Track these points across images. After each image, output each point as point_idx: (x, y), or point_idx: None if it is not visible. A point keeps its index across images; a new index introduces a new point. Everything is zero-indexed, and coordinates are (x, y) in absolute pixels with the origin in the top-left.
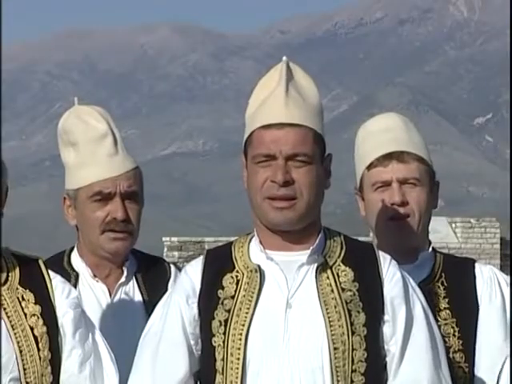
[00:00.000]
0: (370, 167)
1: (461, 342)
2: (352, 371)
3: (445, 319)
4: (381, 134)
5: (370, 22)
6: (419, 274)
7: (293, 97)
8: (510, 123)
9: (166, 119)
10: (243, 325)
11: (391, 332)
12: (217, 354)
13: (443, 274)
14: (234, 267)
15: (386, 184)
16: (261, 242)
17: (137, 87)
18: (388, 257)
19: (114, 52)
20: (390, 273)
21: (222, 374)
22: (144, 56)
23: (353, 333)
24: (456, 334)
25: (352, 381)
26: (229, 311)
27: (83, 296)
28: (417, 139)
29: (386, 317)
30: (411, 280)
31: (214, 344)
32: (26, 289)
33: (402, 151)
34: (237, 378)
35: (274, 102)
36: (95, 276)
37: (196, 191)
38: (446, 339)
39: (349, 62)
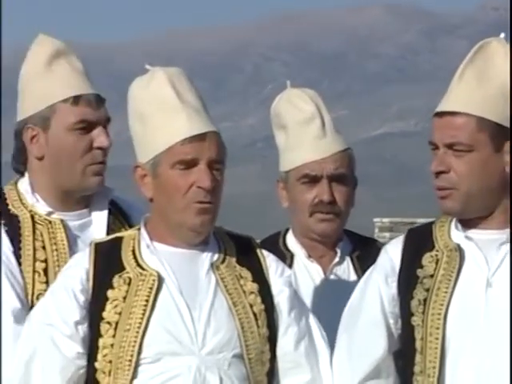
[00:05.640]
0: None
1: None
2: None
3: None
4: None
5: None
6: None
7: (465, 81)
8: None
9: (377, 99)
10: (442, 304)
11: None
12: (416, 333)
13: None
14: (434, 246)
15: None
16: (459, 221)
17: (348, 68)
18: None
19: (326, 33)
20: None
21: (421, 353)
22: (355, 36)
23: None
24: None
25: None
26: (428, 290)
27: (298, 276)
28: None
29: None
30: None
31: (413, 323)
32: (242, 267)
33: None
34: (435, 357)
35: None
36: (310, 256)
37: (407, 172)
38: None
39: None
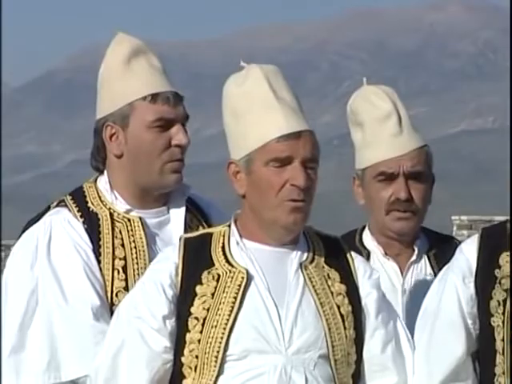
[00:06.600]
0: None
1: None
2: None
3: None
4: None
5: None
6: None
7: None
8: None
9: (455, 97)
10: None
11: None
12: (496, 334)
13: None
14: (510, 245)
15: None
16: None
17: (426, 65)
18: None
19: (403, 31)
20: None
21: (503, 354)
22: (433, 34)
23: None
24: None
25: None
26: (506, 291)
27: None
28: None
29: None
30: None
31: (492, 324)
32: (331, 267)
33: None
34: None
35: None
36: (386, 254)
37: (485, 169)
38: None
39: None
